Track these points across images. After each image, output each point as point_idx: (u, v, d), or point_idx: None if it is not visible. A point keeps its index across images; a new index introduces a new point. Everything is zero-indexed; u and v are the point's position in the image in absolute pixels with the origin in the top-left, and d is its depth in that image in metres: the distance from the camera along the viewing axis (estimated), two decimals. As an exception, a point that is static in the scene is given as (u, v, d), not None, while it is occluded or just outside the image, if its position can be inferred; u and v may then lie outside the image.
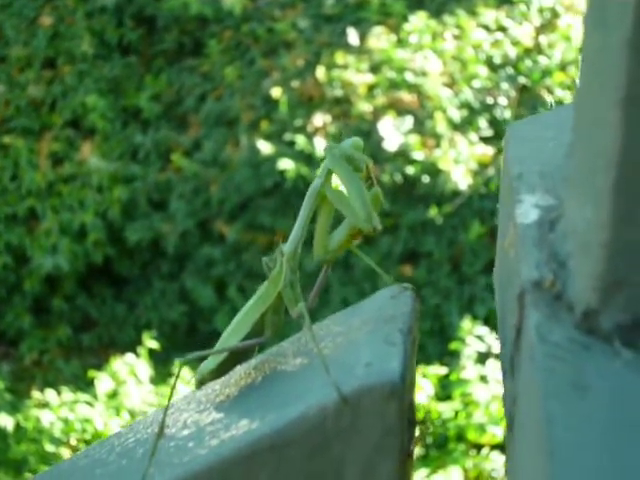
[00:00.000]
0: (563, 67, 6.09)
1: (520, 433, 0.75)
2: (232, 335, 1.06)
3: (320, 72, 6.02)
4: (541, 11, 6.41)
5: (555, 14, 6.39)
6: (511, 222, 0.86)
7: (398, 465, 0.84)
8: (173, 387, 0.98)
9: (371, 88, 5.93)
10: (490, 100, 5.95)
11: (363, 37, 6.25)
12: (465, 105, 5.89)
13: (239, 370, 1.05)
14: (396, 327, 0.93)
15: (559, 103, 5.78)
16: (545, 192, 0.85)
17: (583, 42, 0.76)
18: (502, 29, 6.34)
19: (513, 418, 0.82)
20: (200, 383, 1.06)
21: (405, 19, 6.33)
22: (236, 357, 1.05)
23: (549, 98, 5.97)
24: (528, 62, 6.13)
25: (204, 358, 1.06)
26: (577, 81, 0.77)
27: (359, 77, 5.96)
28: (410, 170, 5.55)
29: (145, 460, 0.92)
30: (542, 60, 6.15)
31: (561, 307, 0.72)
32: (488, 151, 5.70)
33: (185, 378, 4.83)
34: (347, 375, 0.85)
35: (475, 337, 4.60)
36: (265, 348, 1.09)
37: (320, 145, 5.62)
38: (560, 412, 0.62)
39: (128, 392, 4.66)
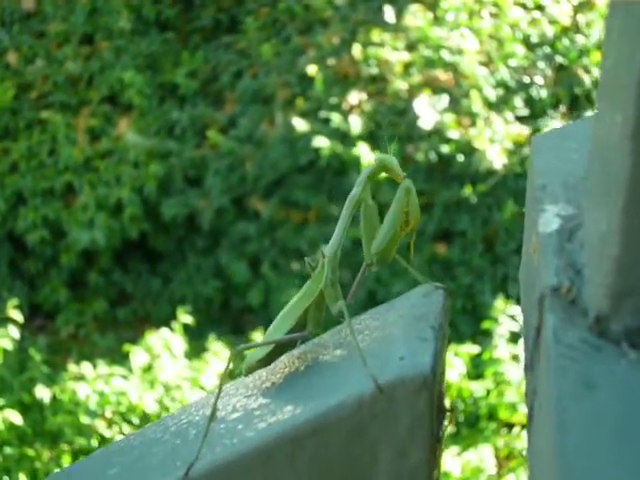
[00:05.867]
0: (600, 47, 6.03)
1: (538, 424, 0.81)
2: (278, 329, 1.13)
3: (356, 50, 6.02)
4: (579, -11, 6.37)
5: (593, -7, 6.34)
6: (534, 230, 0.91)
7: (428, 449, 0.90)
8: (224, 375, 1.04)
9: (407, 66, 5.92)
10: (526, 79, 5.93)
11: (399, 15, 6.24)
12: (501, 84, 5.88)
13: (284, 359, 1.12)
14: (428, 324, 0.99)
15: (596, 83, 5.75)
16: (567, 202, 0.92)
17: (601, 74, 0.81)
18: (539, 7, 6.31)
19: (533, 409, 0.88)
20: (248, 372, 1.13)
21: (442, -3, 6.32)
22: (281, 348, 1.12)
23: (586, 78, 5.94)
24: (565, 41, 6.10)
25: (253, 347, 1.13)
26: (596, 109, 0.82)
27: (395, 55, 5.95)
28: (445, 149, 5.55)
29: (197, 440, 0.99)
30: (579, 39, 6.12)
31: (576, 311, 0.79)
32: (524, 130, 5.69)
33: (219, 353, 4.87)
34: (383, 367, 0.91)
35: (508, 316, 4.61)
36: (307, 340, 1.15)
37: (355, 123, 5.63)
38: (570, 409, 0.68)
39: (162, 366, 4.72)
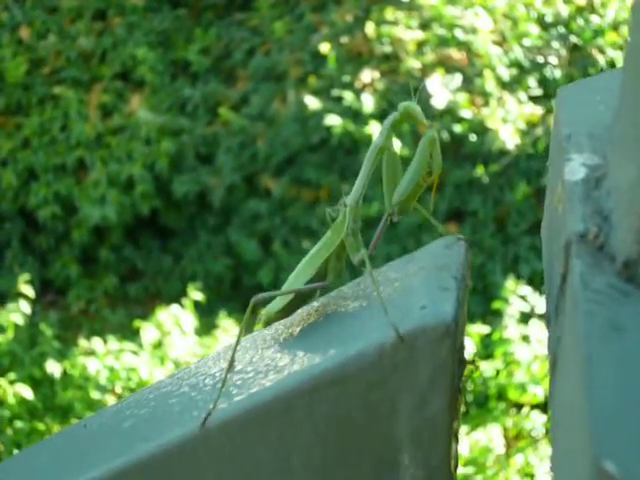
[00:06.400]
0: (616, 27, 6.01)
1: (563, 371, 0.80)
2: (297, 279, 1.13)
3: (369, 28, 5.99)
4: (595, -31, 6.33)
5: (609, -28, 6.30)
6: (560, 180, 0.91)
7: (449, 400, 0.90)
8: (243, 325, 1.02)
9: (420, 45, 5.90)
10: (540, 59, 5.90)
11: (413, -7, 6.21)
12: (515, 64, 5.85)
13: (302, 311, 1.11)
14: (449, 274, 0.98)
15: (610, 63, 5.72)
16: (592, 152, 0.91)
17: (633, 11, 0.80)
18: (555, -13, 6.28)
19: (556, 357, 0.87)
20: (266, 323, 1.12)
21: (456, -25, 6.28)
22: (300, 299, 1.11)
23: (600, 58, 5.90)
24: (580, 21, 6.07)
25: (271, 299, 1.12)
26: (627, 45, 0.81)
27: (408, 33, 5.93)
28: (458, 128, 5.53)
29: (214, 392, 0.98)
30: (594, 19, 6.08)
31: (603, 257, 0.78)
32: (537, 111, 5.66)
33: (229, 330, 4.88)
34: (404, 317, 0.90)
35: (518, 297, 4.60)
36: (326, 292, 1.13)
37: (367, 101, 5.61)
38: (598, 350, 0.67)
39: (173, 342, 4.73)
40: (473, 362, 0.91)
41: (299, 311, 1.10)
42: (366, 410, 0.89)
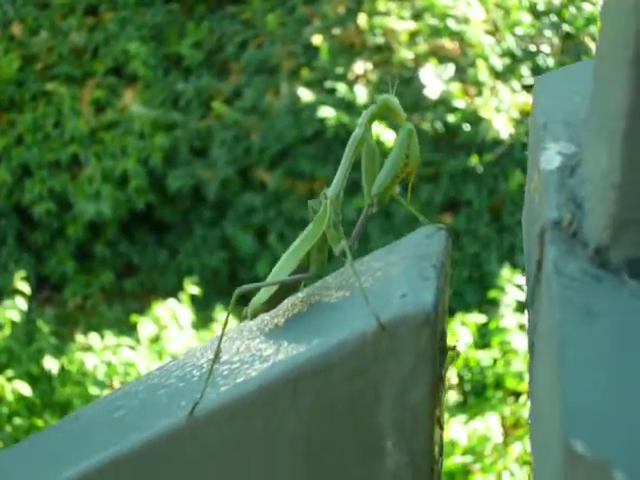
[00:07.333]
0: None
1: (539, 357, 0.81)
2: (281, 271, 1.14)
3: (361, 19, 5.99)
4: (586, -44, 6.34)
5: (601, -40, 6.30)
6: (536, 168, 0.91)
7: (431, 388, 0.91)
8: (227, 317, 1.04)
9: (413, 35, 5.91)
10: (533, 48, 5.91)
11: (405, -16, 6.22)
12: (507, 53, 5.85)
13: (287, 302, 1.13)
14: (430, 263, 0.99)
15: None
16: (568, 141, 0.92)
17: (603, 3, 0.82)
18: (546, -25, 6.29)
19: (534, 345, 0.89)
20: (253, 315, 1.14)
21: (448, -35, 6.28)
22: (284, 291, 1.13)
23: (593, 46, 5.91)
24: (572, 9, 6.07)
25: (256, 290, 1.15)
26: (599, 32, 0.83)
27: (401, 24, 5.93)
28: (451, 118, 5.53)
29: (201, 383, 1.00)
30: (586, 7, 6.09)
31: (576, 244, 0.80)
32: (530, 99, 5.66)
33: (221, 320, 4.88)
34: (385, 306, 0.91)
35: (514, 286, 4.61)
36: (310, 283, 1.16)
37: (361, 93, 5.61)
38: (572, 336, 0.69)
39: (170, 337, 4.73)
40: (454, 349, 0.92)
41: (284, 302, 1.12)
42: (349, 398, 0.90)
